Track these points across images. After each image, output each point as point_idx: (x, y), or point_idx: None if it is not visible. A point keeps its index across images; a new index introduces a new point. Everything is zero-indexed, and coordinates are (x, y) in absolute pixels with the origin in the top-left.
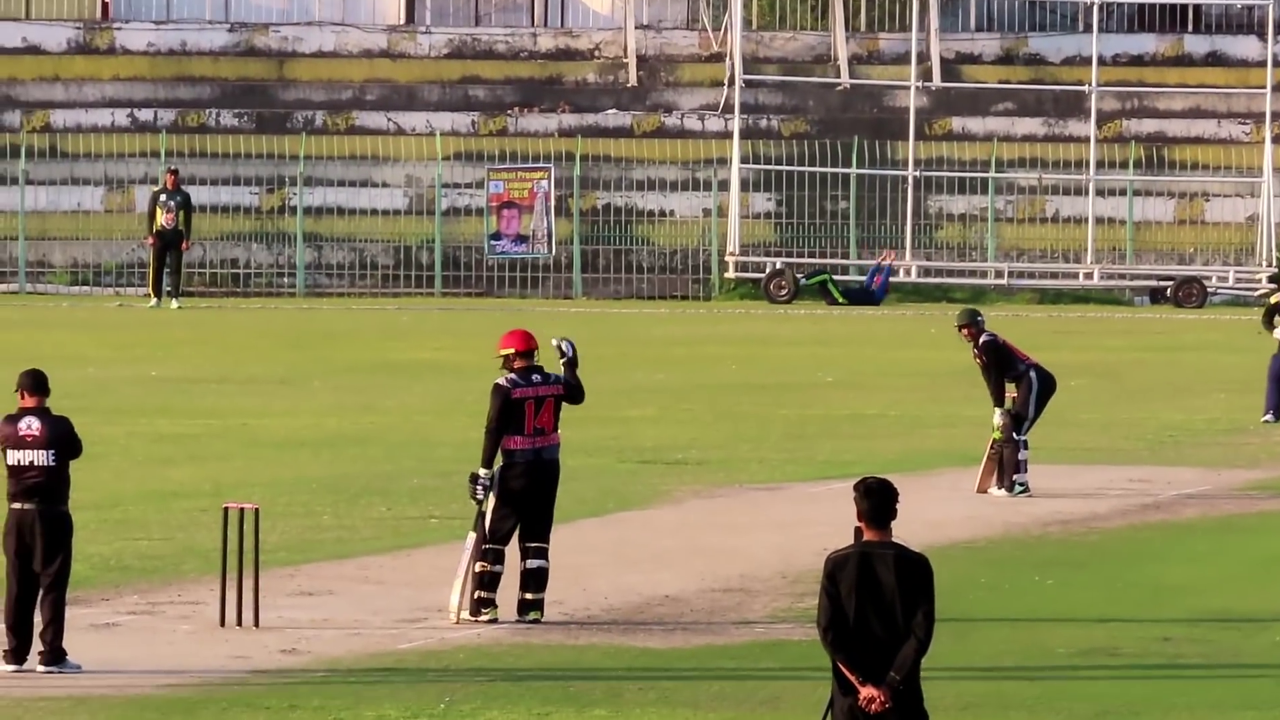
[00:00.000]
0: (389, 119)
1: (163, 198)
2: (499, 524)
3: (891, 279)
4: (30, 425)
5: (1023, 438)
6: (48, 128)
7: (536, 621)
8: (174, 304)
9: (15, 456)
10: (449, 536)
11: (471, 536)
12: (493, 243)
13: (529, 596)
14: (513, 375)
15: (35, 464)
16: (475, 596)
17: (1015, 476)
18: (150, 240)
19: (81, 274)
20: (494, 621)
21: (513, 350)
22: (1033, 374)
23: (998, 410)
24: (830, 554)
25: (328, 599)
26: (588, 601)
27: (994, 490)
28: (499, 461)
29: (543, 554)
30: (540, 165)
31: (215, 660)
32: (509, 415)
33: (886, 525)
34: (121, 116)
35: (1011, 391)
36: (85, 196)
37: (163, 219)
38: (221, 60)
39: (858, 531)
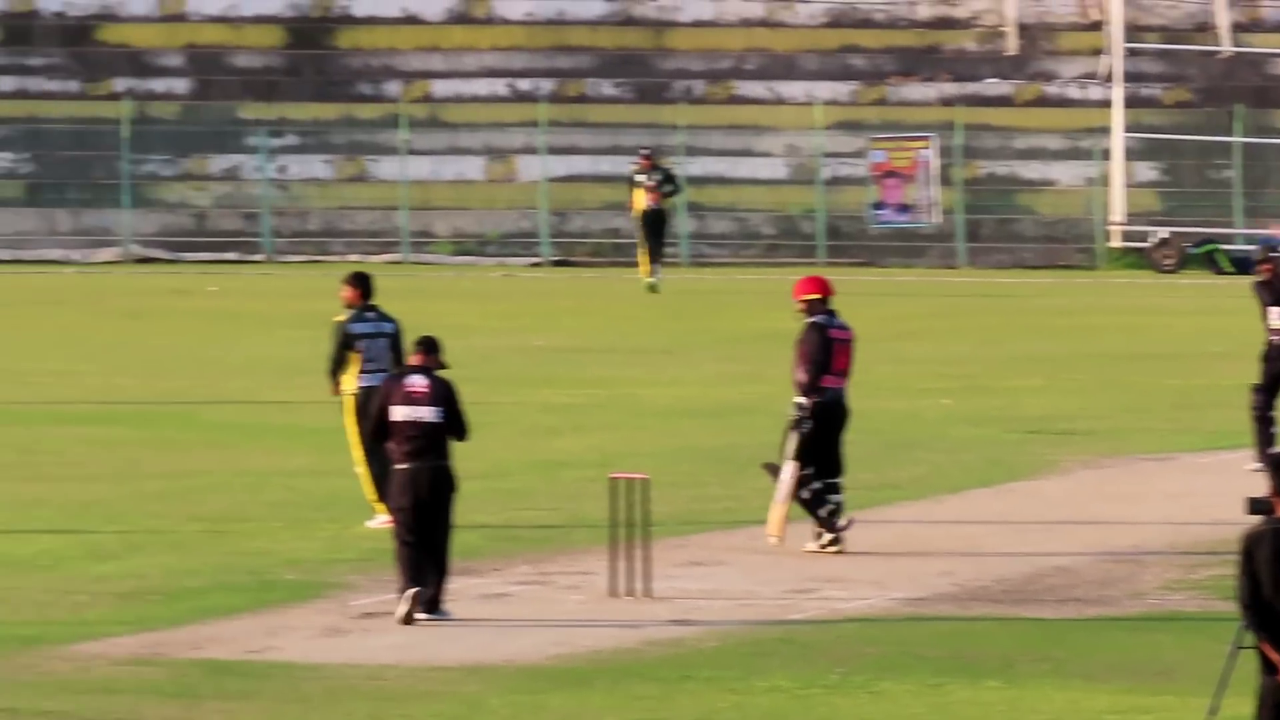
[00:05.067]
0: (768, 88)
1: (640, 178)
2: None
3: None
4: (417, 382)
5: None
6: (428, 97)
7: (850, 523)
8: (654, 277)
9: (402, 412)
10: (844, 507)
11: (792, 465)
12: (876, 212)
13: (834, 527)
14: (822, 316)
15: (422, 420)
16: (821, 516)
17: None
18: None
19: (464, 244)
20: (849, 523)
21: (816, 295)
22: None
23: None
24: (1246, 530)
25: (718, 569)
26: (978, 572)
27: None
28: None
29: (838, 489)
30: (922, 134)
31: (606, 630)
32: (826, 352)
33: None
34: (500, 86)
35: None
36: (467, 166)
37: (647, 200)
38: (600, 30)
39: (1256, 503)
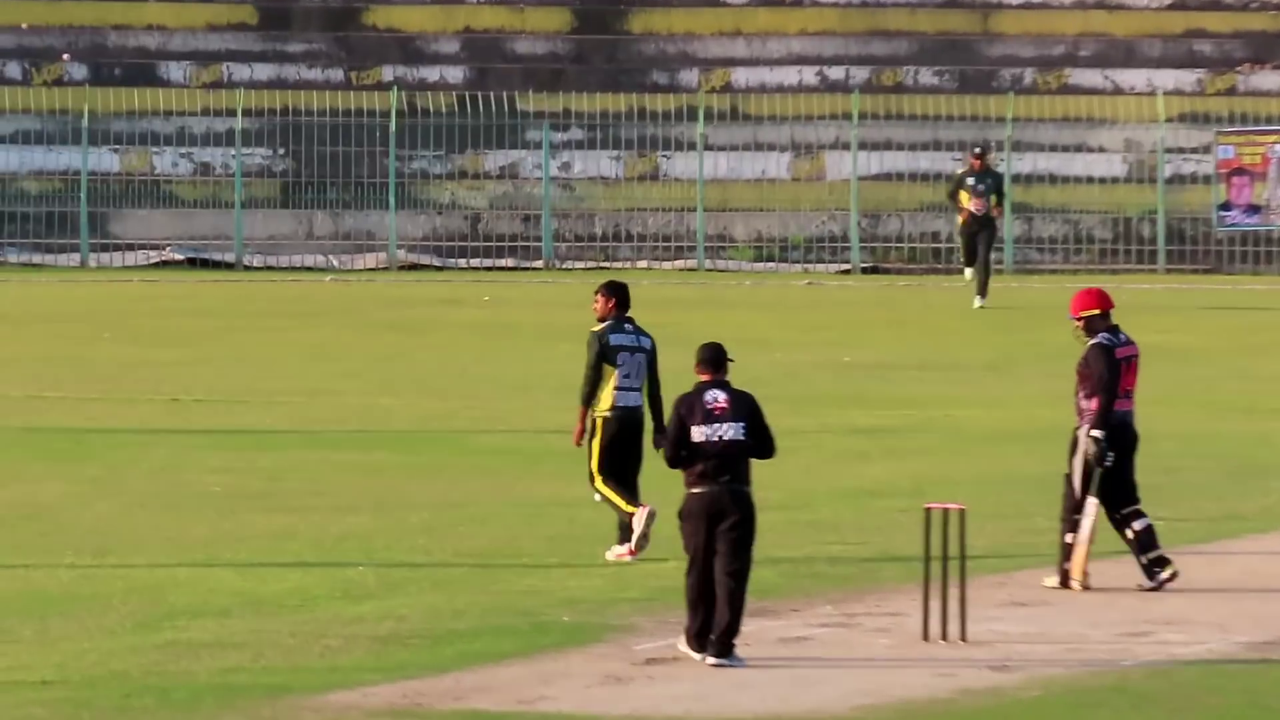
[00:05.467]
0: (1105, 76)
1: (970, 181)
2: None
3: None
4: (717, 397)
5: None
6: (728, 87)
7: (1175, 575)
8: (976, 302)
9: (702, 432)
10: (1181, 539)
11: (1093, 501)
12: (1222, 214)
13: (1155, 555)
14: (1106, 335)
15: (724, 438)
16: (1148, 559)
17: None
18: (964, 216)
19: (766, 249)
20: (1174, 576)
21: (1096, 310)
22: None
23: None
24: None
25: (1042, 610)
26: None
27: None
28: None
29: (1141, 514)
30: (1275, 128)
31: (917, 678)
32: (1116, 375)
33: None
34: (810, 75)
35: None
36: (770, 163)
37: (972, 205)
38: (919, 13)
39: None
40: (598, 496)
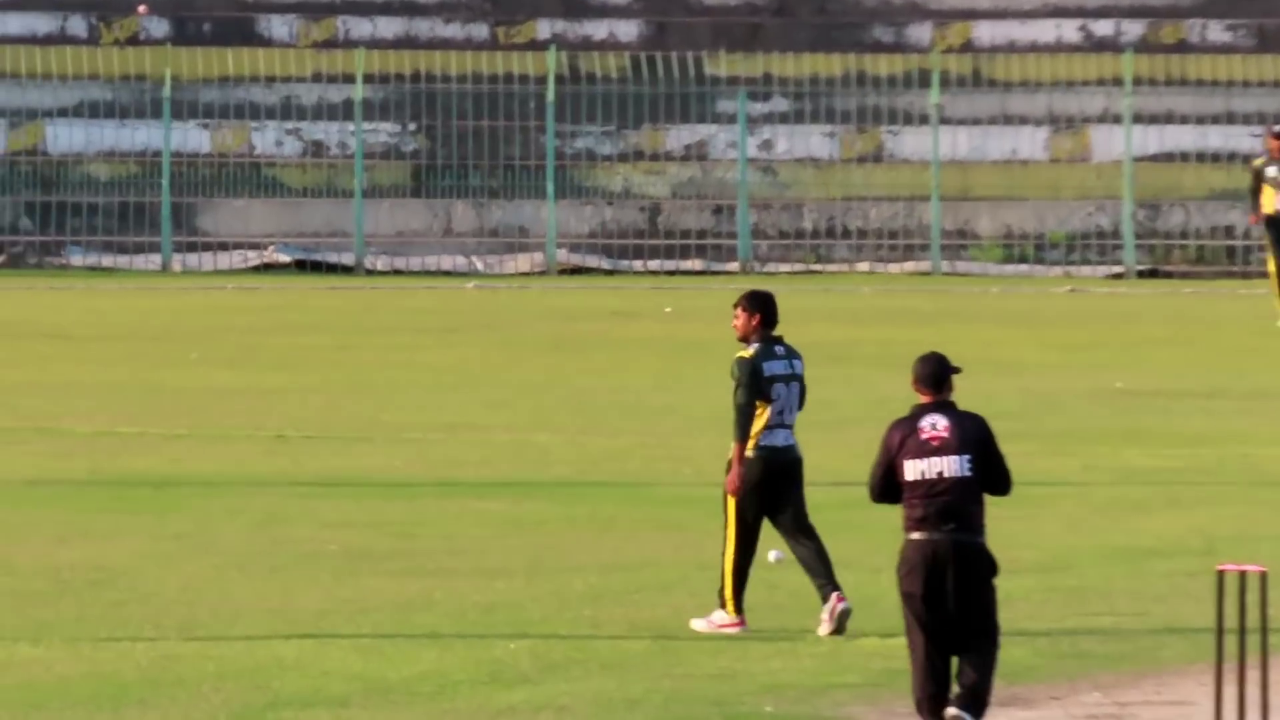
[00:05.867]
0: None
1: (1270, 171)
2: None
3: None
4: (935, 424)
5: None
6: (968, 46)
7: None
8: None
9: (917, 468)
10: None
11: None
12: None
13: None
14: None
15: (944, 475)
16: None
17: None
18: (1254, 219)
19: (1017, 248)
20: None
21: None
22: None
23: None
24: None
25: None
26: None
27: None
28: None
29: None
30: None
31: None
32: None
33: None
34: (1070, 30)
35: None
36: (1022, 141)
37: (1276, 201)
38: None
39: None
40: (727, 559)
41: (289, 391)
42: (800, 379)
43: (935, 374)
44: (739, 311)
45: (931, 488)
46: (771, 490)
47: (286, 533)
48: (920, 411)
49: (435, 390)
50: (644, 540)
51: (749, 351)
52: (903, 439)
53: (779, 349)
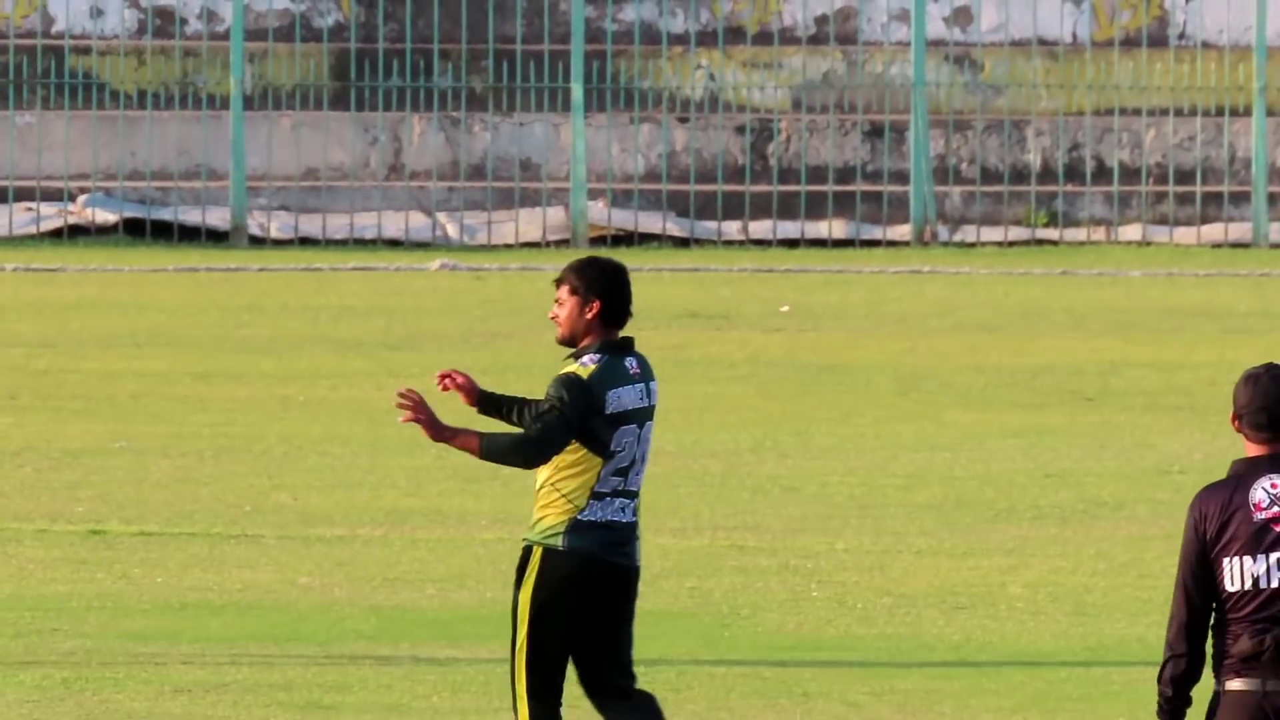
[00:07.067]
0: None
1: None
2: None
3: None
4: (1275, 498)
5: None
6: None
7: None
8: None
9: (1249, 571)
10: None
11: None
12: None
13: None
14: None
15: None
16: None
17: None
18: None
19: None
20: None
21: None
22: None
23: None
24: None
25: None
26: None
27: None
28: None
29: None
30: None
31: None
32: None
33: None
34: None
35: None
36: None
37: None
38: None
39: None
40: None
41: (109, 454)
42: (652, 415)
43: (1275, 405)
44: (563, 293)
45: (1274, 601)
46: (593, 605)
47: None
48: (1247, 470)
49: (367, 451)
50: None
51: (581, 366)
52: (1221, 520)
53: (630, 362)
